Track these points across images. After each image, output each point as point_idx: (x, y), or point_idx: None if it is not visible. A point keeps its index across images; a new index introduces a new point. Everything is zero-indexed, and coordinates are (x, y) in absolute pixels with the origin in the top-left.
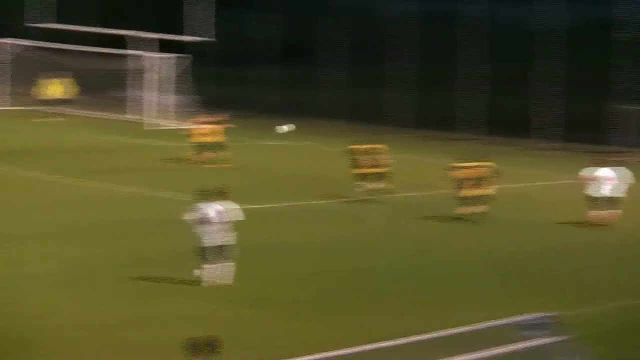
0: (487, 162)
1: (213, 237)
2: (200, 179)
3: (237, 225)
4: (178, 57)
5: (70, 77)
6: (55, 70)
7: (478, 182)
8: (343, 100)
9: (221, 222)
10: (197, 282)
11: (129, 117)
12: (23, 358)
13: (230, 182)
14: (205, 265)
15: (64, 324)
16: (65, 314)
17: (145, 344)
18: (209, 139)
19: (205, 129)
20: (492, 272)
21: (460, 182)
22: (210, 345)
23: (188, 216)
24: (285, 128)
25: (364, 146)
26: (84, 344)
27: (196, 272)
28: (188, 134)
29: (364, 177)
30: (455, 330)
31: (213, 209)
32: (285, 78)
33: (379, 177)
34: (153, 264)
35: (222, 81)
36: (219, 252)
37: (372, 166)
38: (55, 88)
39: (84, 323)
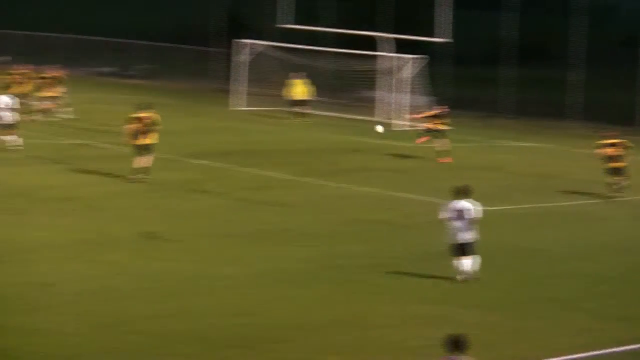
0: None
1: (463, 233)
2: (439, 180)
3: (478, 225)
4: (417, 58)
5: (307, 78)
6: (292, 70)
7: None
8: (582, 101)
9: (470, 219)
10: (440, 282)
11: (368, 117)
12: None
13: (471, 183)
14: (459, 261)
15: (315, 319)
16: (313, 309)
17: (385, 343)
18: (439, 126)
19: (431, 123)
20: None
21: None
22: (461, 343)
23: (442, 215)
24: (380, 129)
25: (612, 140)
26: (330, 339)
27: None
28: (419, 133)
29: (611, 171)
30: None
31: (462, 207)
32: (523, 78)
33: (623, 171)
34: (394, 264)
35: (460, 82)
36: (469, 248)
37: (618, 160)
38: (298, 88)
39: (328, 320)
